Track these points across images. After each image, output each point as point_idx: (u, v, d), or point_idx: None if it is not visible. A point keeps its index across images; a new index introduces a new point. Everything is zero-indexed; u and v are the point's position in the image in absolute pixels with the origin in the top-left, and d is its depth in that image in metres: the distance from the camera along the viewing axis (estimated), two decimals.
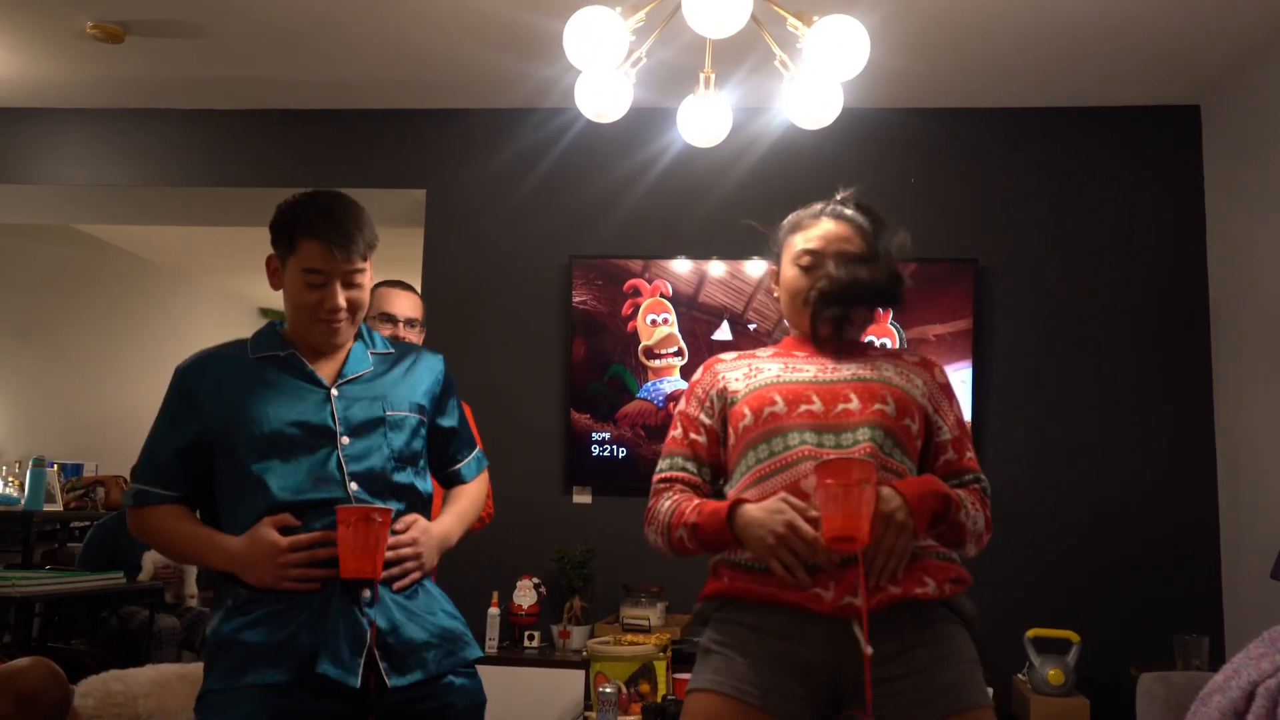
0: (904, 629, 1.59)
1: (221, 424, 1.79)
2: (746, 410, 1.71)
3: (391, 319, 2.77)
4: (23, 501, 5.39)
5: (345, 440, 1.79)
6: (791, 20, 2.25)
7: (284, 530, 1.72)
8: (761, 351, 1.85)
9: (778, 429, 1.66)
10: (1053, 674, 3.65)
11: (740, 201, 4.33)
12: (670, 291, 4.28)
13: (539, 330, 4.39)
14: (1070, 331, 4.20)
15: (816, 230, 1.80)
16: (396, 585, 1.77)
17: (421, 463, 1.93)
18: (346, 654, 1.68)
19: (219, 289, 8.34)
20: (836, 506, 1.48)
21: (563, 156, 4.45)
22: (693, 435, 1.80)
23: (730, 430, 1.75)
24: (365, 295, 1.87)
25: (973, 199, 4.30)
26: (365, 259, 1.85)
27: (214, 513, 1.85)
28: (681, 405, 1.84)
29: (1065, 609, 3.97)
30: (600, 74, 2.45)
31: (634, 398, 4.27)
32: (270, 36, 3.88)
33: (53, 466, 5.78)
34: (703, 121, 2.60)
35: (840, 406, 1.67)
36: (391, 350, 1.97)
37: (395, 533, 1.77)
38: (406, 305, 2.82)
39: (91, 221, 6.27)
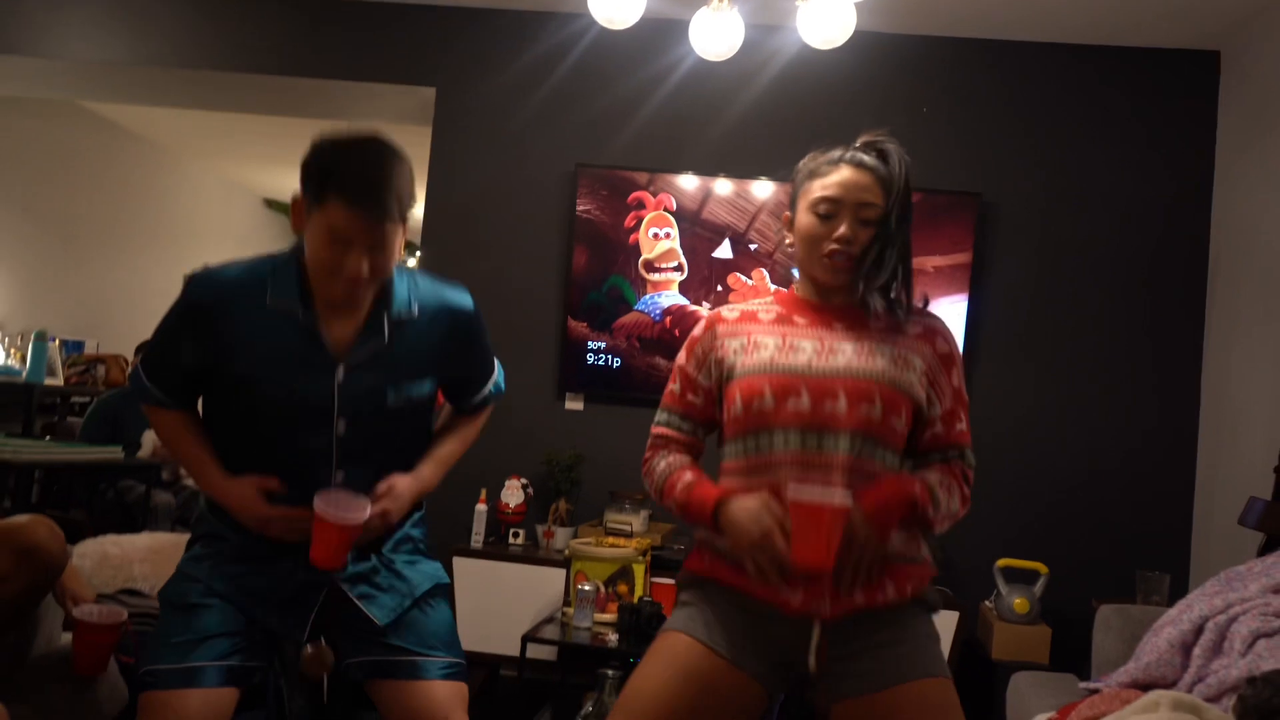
0: (868, 625, 1.67)
1: (223, 366, 1.76)
2: (738, 397, 1.71)
3: None
4: (24, 374, 5.48)
5: (341, 426, 1.76)
6: None
7: (271, 494, 1.75)
8: (763, 311, 1.80)
9: (765, 426, 1.68)
10: (1018, 603, 3.77)
11: (750, 121, 4.32)
12: (674, 206, 4.30)
13: (541, 237, 4.42)
14: (1067, 271, 4.23)
15: (835, 177, 1.72)
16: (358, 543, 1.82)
17: (423, 425, 1.92)
18: (292, 619, 1.80)
19: (223, 176, 8.32)
20: (806, 541, 1.55)
21: (575, 64, 4.42)
22: (689, 396, 1.80)
23: (724, 402, 1.76)
24: (392, 259, 1.72)
25: (980, 132, 4.29)
26: (399, 221, 1.69)
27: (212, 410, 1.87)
28: (681, 359, 1.83)
29: (1037, 542, 4.07)
30: None
31: (631, 309, 4.31)
32: None
33: (54, 341, 5.86)
34: (715, 34, 2.60)
35: (827, 406, 1.66)
36: (412, 312, 1.80)
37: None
38: None
39: (98, 99, 6.23)
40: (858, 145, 1.77)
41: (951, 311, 4.15)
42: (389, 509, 1.79)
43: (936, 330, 1.77)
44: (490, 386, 2.01)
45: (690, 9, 2.77)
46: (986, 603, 3.94)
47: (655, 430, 1.84)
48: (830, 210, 1.71)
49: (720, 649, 1.68)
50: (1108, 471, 4.15)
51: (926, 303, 1.81)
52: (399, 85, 4.58)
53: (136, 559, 2.44)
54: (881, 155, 1.75)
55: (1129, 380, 4.18)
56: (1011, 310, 4.22)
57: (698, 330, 1.82)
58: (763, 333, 1.76)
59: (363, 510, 1.71)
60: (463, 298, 1.89)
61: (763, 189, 4.26)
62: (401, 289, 1.80)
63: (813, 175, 1.76)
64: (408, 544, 1.93)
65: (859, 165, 1.73)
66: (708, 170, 4.29)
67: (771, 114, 4.29)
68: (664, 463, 1.79)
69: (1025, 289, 4.24)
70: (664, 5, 3.33)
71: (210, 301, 1.75)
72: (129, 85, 5.21)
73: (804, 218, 1.75)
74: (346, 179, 1.63)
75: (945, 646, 3.69)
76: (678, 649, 1.68)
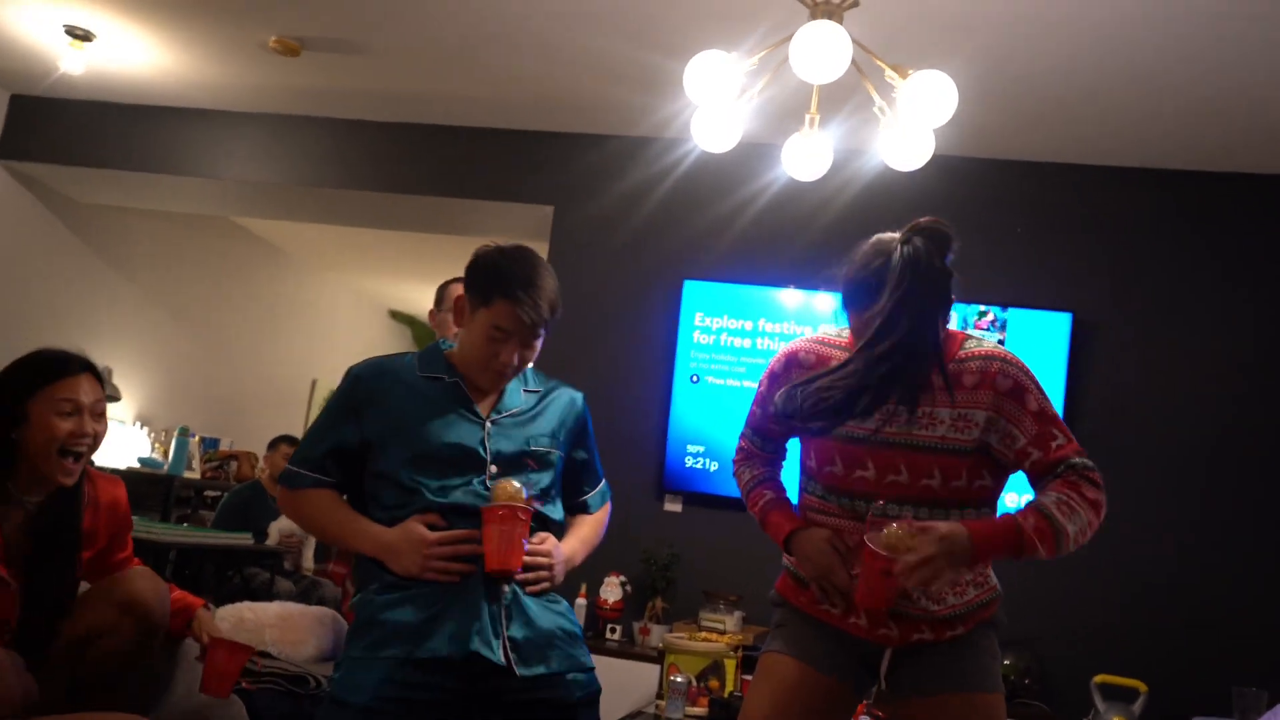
0: (934, 647, 1.85)
1: (381, 435, 1.98)
2: (813, 455, 1.87)
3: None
4: (166, 466, 5.91)
5: (493, 469, 1.97)
6: (889, 72, 2.48)
7: (431, 527, 1.91)
8: (836, 361, 1.85)
9: (835, 488, 1.85)
10: None
11: (838, 236, 4.53)
12: (777, 314, 4.51)
13: (648, 345, 4.67)
14: (1165, 390, 4.25)
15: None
16: (529, 589, 1.95)
17: (555, 493, 2.10)
18: (490, 635, 1.87)
19: (353, 288, 8.88)
20: (863, 582, 1.73)
21: (678, 184, 4.74)
22: (769, 424, 1.96)
23: (800, 445, 1.94)
24: (535, 353, 2.03)
25: (1074, 252, 4.41)
26: (549, 326, 2.00)
27: (361, 502, 2.04)
28: (763, 388, 1.95)
29: (1135, 657, 4.01)
30: (715, 109, 2.71)
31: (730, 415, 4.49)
32: (427, 57, 4.28)
33: (194, 437, 6.30)
34: (806, 158, 2.84)
35: (890, 478, 1.79)
36: (540, 389, 2.12)
37: (531, 543, 1.94)
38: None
39: (245, 215, 6.82)
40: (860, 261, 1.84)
41: None
42: (552, 552, 1.97)
43: (994, 374, 1.78)
44: (600, 489, 2.23)
45: (782, 135, 3.02)
46: None
47: (741, 441, 2.04)
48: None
49: (812, 662, 1.86)
50: (1207, 586, 4.10)
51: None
52: (520, 204, 4.95)
53: (268, 624, 2.67)
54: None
55: (1228, 496, 4.14)
56: (1107, 428, 4.25)
57: (777, 368, 1.93)
58: None
59: (531, 510, 1.89)
60: (575, 391, 2.19)
61: None
62: (528, 371, 2.13)
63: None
64: (568, 643, 2.00)
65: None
66: (809, 283, 4.50)
67: (859, 229, 4.48)
68: (748, 474, 2.01)
69: (1122, 406, 4.27)
70: (758, 129, 3.60)
71: (370, 374, 2.04)
72: (275, 203, 5.74)
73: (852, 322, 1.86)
74: (514, 286, 1.94)
75: None
76: (779, 668, 1.88)
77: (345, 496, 2.05)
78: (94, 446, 2.12)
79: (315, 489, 2.02)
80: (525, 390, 2.09)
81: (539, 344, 2.01)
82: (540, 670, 1.90)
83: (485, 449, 1.97)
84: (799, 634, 1.90)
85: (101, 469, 2.41)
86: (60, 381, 2.08)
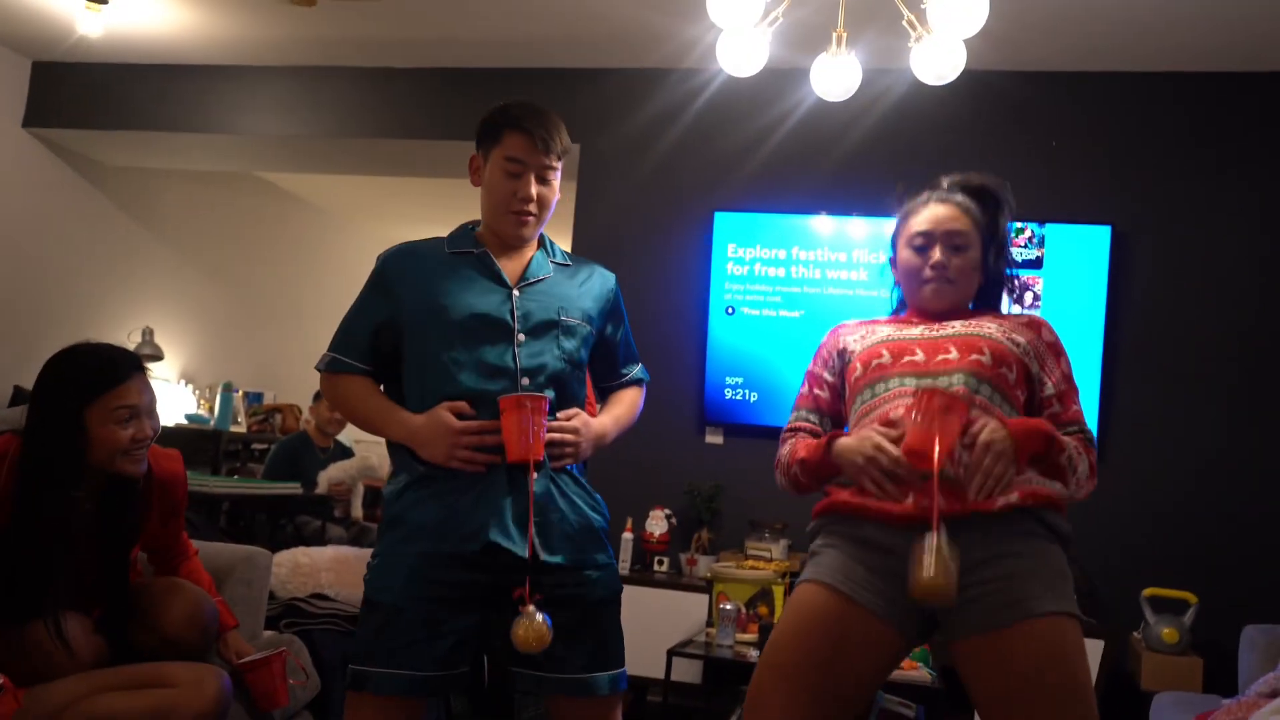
0: (996, 539, 1.71)
1: (412, 311, 2.00)
2: (858, 365, 1.91)
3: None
4: (213, 421, 6.01)
5: (521, 337, 1.98)
6: None
7: (459, 416, 1.92)
8: (881, 321, 2.03)
9: (881, 376, 1.86)
10: (1167, 633, 3.71)
11: (867, 158, 4.46)
12: (810, 242, 4.46)
13: (681, 279, 4.64)
14: (1210, 301, 4.17)
15: (926, 214, 1.96)
16: (554, 464, 1.95)
17: (583, 372, 2.10)
18: (513, 527, 1.88)
19: (384, 237, 8.88)
20: (916, 427, 1.67)
21: (705, 114, 4.67)
22: (816, 390, 2.00)
23: (846, 385, 1.95)
24: (553, 195, 2.05)
25: (1110, 163, 4.31)
26: (559, 159, 2.04)
27: (398, 388, 2.06)
28: (810, 367, 2.04)
29: (1188, 570, 3.99)
30: (740, 31, 2.66)
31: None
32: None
33: (238, 392, 6.40)
34: (835, 76, 2.78)
35: (940, 357, 1.84)
36: (569, 263, 2.12)
37: (557, 419, 1.96)
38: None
39: (274, 170, 6.84)
40: (945, 185, 2.01)
41: (1089, 338, 4.16)
42: (579, 429, 1.97)
43: (1041, 323, 1.94)
44: (636, 370, 2.22)
45: (806, 57, 2.96)
46: (1136, 634, 3.89)
47: (786, 428, 2.01)
48: (924, 243, 1.95)
49: (848, 591, 1.74)
50: (1253, 493, 4.06)
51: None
52: None
53: (323, 567, 2.73)
54: (967, 190, 1.99)
55: (1275, 404, 4.09)
56: (1151, 339, 4.19)
57: (826, 340, 2.05)
58: (880, 326, 2.01)
59: (546, 399, 1.89)
60: (607, 271, 2.19)
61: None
62: (556, 245, 2.16)
63: (907, 215, 2.01)
64: (596, 536, 2.00)
65: (944, 201, 1.98)
66: (836, 208, 4.44)
67: (889, 150, 4.42)
68: (788, 446, 1.96)
69: (1164, 317, 4.20)
70: (784, 53, 3.53)
71: (398, 255, 2.07)
72: (300, 156, 5.74)
73: (903, 253, 2.00)
74: (520, 117, 2.02)
75: (1091, 673, 3.69)
76: (809, 598, 1.77)
77: (382, 387, 2.08)
78: (153, 441, 2.13)
79: (352, 375, 2.04)
80: (554, 262, 2.09)
81: (555, 182, 2.04)
82: (560, 559, 1.91)
83: (513, 317, 1.98)
84: (834, 560, 1.80)
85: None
86: (114, 390, 2.06)
